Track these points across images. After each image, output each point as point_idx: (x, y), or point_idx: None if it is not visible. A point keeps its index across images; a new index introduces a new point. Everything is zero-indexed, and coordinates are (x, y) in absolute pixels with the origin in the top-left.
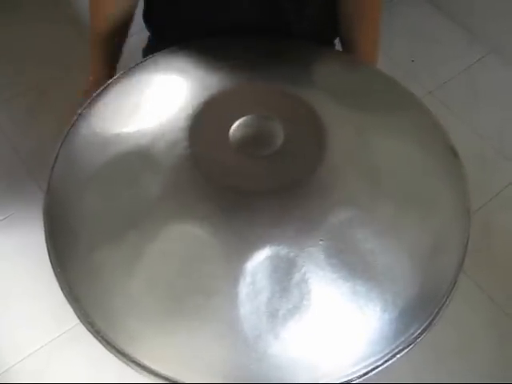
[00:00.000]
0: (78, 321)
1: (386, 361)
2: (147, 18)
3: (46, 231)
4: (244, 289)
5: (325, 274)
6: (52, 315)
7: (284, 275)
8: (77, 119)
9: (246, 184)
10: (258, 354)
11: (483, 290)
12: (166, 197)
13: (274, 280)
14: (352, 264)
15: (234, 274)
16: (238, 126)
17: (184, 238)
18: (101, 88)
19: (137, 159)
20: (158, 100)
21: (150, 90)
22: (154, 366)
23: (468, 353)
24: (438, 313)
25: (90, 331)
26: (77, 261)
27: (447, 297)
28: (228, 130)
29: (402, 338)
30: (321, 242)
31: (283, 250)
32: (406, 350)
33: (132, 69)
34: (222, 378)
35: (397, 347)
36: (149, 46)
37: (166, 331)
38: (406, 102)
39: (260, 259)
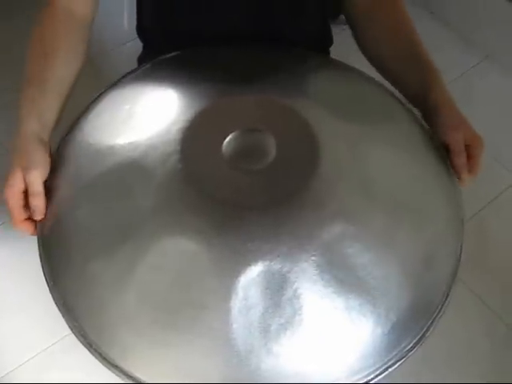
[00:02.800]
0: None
1: (379, 374)
2: (140, 29)
3: (39, 243)
4: (236, 304)
5: (317, 289)
6: (45, 325)
7: (276, 290)
8: (70, 130)
9: (239, 198)
10: (250, 368)
11: (478, 296)
12: (158, 210)
13: (266, 295)
14: (344, 279)
15: (226, 289)
16: (231, 139)
17: (176, 252)
18: (95, 96)
19: (130, 172)
20: (150, 111)
21: (142, 101)
22: (145, 379)
23: (464, 361)
24: (430, 325)
25: (82, 343)
26: (70, 273)
27: (440, 309)
28: (221, 143)
29: (395, 352)
30: (313, 257)
31: (276, 265)
32: (398, 364)
33: (125, 78)
34: None
35: (389, 360)
36: (143, 54)
37: (158, 345)
38: (399, 112)
39: (252, 274)
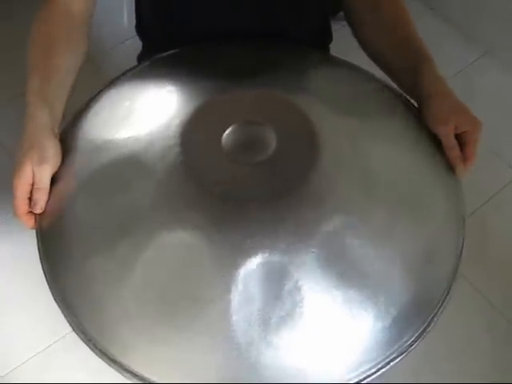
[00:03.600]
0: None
1: (380, 369)
2: (139, 28)
3: (38, 239)
4: (236, 296)
5: (317, 282)
6: (46, 324)
7: (276, 283)
8: (70, 126)
9: (238, 192)
10: (250, 361)
11: (479, 291)
12: (158, 205)
13: (266, 288)
14: (345, 272)
15: (226, 282)
16: (231, 133)
17: (176, 246)
18: (94, 94)
19: (129, 166)
20: (150, 106)
21: (142, 97)
22: (145, 374)
23: (464, 356)
24: (432, 320)
25: (82, 340)
26: (69, 269)
27: (441, 304)
28: (220, 137)
29: (396, 346)
30: (313, 250)
31: (275, 258)
32: (399, 358)
33: (124, 75)
34: None
35: (390, 355)
36: (143, 53)
37: (158, 340)
38: (399, 107)
39: (252, 267)
